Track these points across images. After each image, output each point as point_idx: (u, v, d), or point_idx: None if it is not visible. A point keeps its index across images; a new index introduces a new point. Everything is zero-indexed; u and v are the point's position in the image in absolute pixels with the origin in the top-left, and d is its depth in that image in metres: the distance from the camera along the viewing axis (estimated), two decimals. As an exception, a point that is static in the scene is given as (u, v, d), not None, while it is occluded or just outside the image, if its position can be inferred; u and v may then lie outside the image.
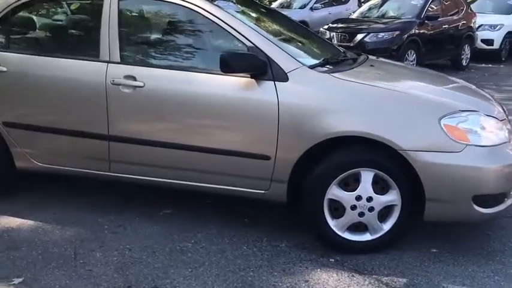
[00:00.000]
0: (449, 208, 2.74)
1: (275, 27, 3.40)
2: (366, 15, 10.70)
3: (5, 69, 3.28)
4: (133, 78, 3.03)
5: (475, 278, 2.67)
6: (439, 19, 10.01)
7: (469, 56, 11.17)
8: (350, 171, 2.76)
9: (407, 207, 2.80)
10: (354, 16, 11.12)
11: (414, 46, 9.40)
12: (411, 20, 9.66)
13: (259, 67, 2.81)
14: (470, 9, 11.44)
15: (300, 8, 15.00)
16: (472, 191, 2.68)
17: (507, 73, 10.62)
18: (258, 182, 2.97)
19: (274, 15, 3.80)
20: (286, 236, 3.11)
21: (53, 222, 3.27)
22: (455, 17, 10.68)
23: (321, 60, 3.15)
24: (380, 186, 2.79)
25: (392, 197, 2.79)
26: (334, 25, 9.74)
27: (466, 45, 10.98)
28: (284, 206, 3.08)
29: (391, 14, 10.42)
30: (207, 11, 3.03)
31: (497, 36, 12.16)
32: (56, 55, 3.29)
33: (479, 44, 11.79)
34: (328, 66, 3.09)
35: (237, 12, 3.27)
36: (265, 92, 2.84)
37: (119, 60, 3.10)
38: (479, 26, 11.73)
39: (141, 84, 3.01)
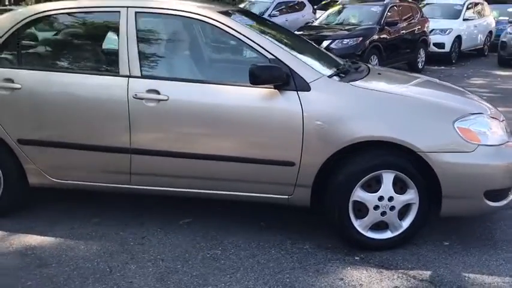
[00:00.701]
0: (464, 203, 2.99)
1: (286, 40, 3.55)
2: (328, 22, 11.05)
3: (19, 86, 3.26)
4: (157, 92, 3.10)
5: (490, 267, 2.92)
6: (398, 25, 10.49)
7: (424, 59, 11.77)
8: (373, 173, 2.95)
9: (424, 204, 3.02)
10: (316, 23, 11.45)
11: (376, 51, 9.82)
12: (372, 26, 10.08)
13: (283, 78, 2.96)
14: (423, 15, 12.05)
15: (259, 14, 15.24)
16: (483, 186, 2.94)
17: (460, 74, 11.27)
18: (282, 188, 3.11)
19: (280, 29, 3.94)
20: (307, 237, 3.26)
21: (75, 238, 3.27)
22: (411, 23, 11.23)
23: (335, 70, 3.33)
24: (399, 186, 2.99)
25: (411, 196, 3.00)
26: (300, 32, 10.00)
27: (421, 49, 11.57)
28: (292, 209, 3.24)
29: (352, 21, 10.82)
30: (227, 26, 3.14)
31: (447, 40, 12.85)
32: (73, 71, 3.31)
33: (432, 48, 12.42)
34: (341, 75, 3.27)
35: (252, 26, 3.39)
36: (289, 101, 2.99)
37: (140, 75, 3.16)
38: (431, 31, 12.35)
39: (165, 97, 3.08)
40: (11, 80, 3.27)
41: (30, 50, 3.46)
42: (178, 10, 3.25)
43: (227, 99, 3.08)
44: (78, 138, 3.27)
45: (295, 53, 3.21)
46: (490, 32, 15.13)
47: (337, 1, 18.65)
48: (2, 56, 3.37)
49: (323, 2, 19.45)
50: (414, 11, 11.68)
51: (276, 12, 15.33)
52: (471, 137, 2.92)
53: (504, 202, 3.05)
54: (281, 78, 2.95)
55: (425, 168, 2.94)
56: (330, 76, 3.15)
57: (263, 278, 2.79)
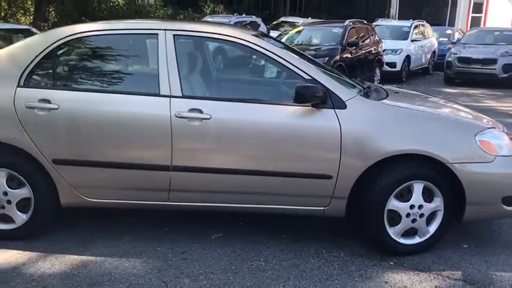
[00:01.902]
0: (484, 209, 3.31)
1: (312, 62, 3.77)
2: (292, 43, 11.44)
3: (56, 106, 3.27)
4: (200, 111, 3.22)
5: (510, 265, 3.25)
6: (357, 45, 11.05)
7: (379, 78, 12.41)
8: (405, 184, 3.22)
9: (448, 211, 3.32)
10: (280, 43, 11.79)
11: (340, 70, 10.26)
12: (335, 46, 10.56)
13: (322, 97, 3.18)
14: (377, 36, 12.75)
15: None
16: (501, 193, 3.28)
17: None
18: (319, 200, 3.32)
19: (299, 52, 4.16)
20: (339, 246, 3.47)
21: (115, 256, 3.30)
22: (368, 43, 11.85)
23: (359, 89, 3.59)
24: (426, 195, 3.28)
25: (437, 203, 3.29)
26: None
27: (377, 68, 12.21)
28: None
29: (314, 41, 11.27)
30: (264, 48, 3.33)
31: (398, 60, 13.62)
32: (112, 92, 3.36)
33: (385, 67, 13.13)
34: (368, 94, 3.54)
35: (284, 48, 3.60)
36: (328, 118, 3.21)
37: (181, 95, 3.27)
38: (383, 51, 13.07)
39: (208, 116, 3.22)
40: (47, 101, 3.28)
41: (66, 71, 3.48)
42: (215, 33, 3.41)
43: (267, 117, 3.25)
44: (117, 157, 3.31)
45: (328, 74, 3.44)
46: (434, 52, 16.16)
47: (288, 22, 19.35)
48: (37, 76, 3.37)
49: (274, 23, 20.04)
50: (370, 32, 12.34)
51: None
52: (490, 148, 3.26)
53: (517, 207, 3.41)
54: (321, 97, 3.17)
55: (449, 178, 3.24)
56: (361, 95, 3.41)
57: (315, 284, 2.97)
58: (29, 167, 3.37)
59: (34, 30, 11.63)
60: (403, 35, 14.57)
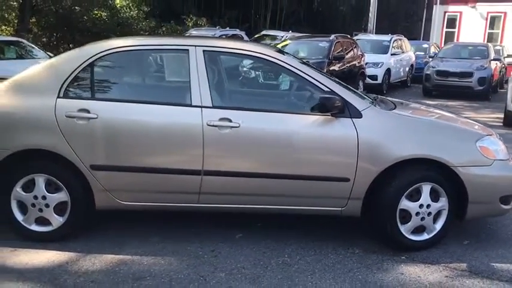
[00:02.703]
0: (484, 208, 3.70)
1: (327, 75, 4.11)
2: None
3: (95, 116, 3.53)
4: (229, 120, 3.52)
5: (509, 259, 3.63)
6: (343, 59, 11.52)
7: (362, 90, 12.89)
8: (415, 185, 3.58)
9: (452, 210, 3.69)
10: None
11: (327, 82, 10.69)
12: (322, 60, 11.00)
13: (340, 107, 3.52)
14: (360, 50, 13.26)
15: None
16: (499, 193, 3.67)
17: (396, 104, 12.48)
18: (337, 201, 3.64)
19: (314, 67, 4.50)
20: (353, 244, 3.80)
21: (149, 255, 3.54)
22: (352, 57, 12.35)
23: (372, 100, 3.95)
24: (433, 195, 3.64)
25: (442, 203, 3.66)
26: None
27: (360, 81, 12.70)
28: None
29: (301, 55, 11.68)
30: (287, 63, 3.67)
31: (380, 73, 14.16)
32: (147, 102, 3.63)
33: (367, 80, 13.64)
34: (378, 105, 3.90)
35: (302, 64, 3.93)
36: (346, 127, 3.55)
37: (211, 105, 3.57)
38: (365, 64, 13.59)
39: (237, 124, 3.52)
40: (86, 110, 3.53)
41: (103, 83, 3.73)
42: (241, 49, 3.73)
43: (290, 126, 3.58)
44: (151, 162, 3.58)
45: (341, 86, 3.79)
46: (412, 65, 16.82)
47: (269, 35, 19.78)
48: (76, 88, 3.62)
49: (256, 36, 20.45)
50: (353, 46, 12.85)
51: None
52: (489, 153, 3.65)
53: (511, 205, 3.80)
54: (339, 107, 3.51)
55: (452, 180, 3.61)
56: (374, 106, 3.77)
57: (339, 277, 3.28)
58: (67, 173, 3.61)
59: (25, 41, 11.78)
60: (383, 49, 15.15)
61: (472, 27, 21.65)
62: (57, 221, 3.66)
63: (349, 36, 13.64)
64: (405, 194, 3.58)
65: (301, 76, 3.67)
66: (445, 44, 21.22)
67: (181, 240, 3.78)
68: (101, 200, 3.65)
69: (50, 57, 11.31)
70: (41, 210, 3.63)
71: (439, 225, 3.70)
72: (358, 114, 3.58)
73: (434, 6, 22.64)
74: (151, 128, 3.56)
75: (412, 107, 4.43)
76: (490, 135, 3.83)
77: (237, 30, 18.28)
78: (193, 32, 17.30)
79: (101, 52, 3.66)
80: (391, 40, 15.54)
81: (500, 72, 15.72)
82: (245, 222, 4.08)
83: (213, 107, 3.57)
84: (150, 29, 21.00)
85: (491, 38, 21.35)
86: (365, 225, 3.91)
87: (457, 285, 3.21)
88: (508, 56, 17.15)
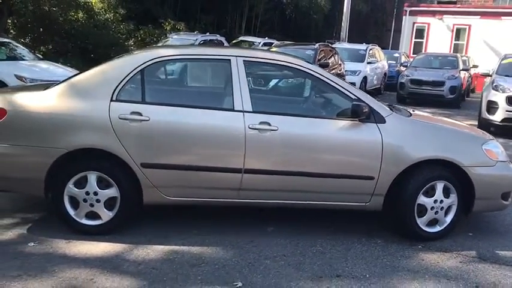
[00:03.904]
0: (488, 203, 4.22)
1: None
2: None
3: (147, 118, 3.86)
4: (268, 124, 3.92)
5: (509, 246, 4.16)
6: (327, 66, 12.06)
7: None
8: (431, 183, 4.07)
9: (460, 205, 4.19)
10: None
11: (313, 89, 11.21)
12: (308, 67, 11.47)
13: (367, 113, 3.98)
14: (340, 58, 13.87)
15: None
16: (501, 190, 4.21)
17: (374, 110, 13.12)
18: (362, 197, 4.09)
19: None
20: (375, 236, 4.25)
21: (194, 245, 3.87)
22: (333, 64, 12.92)
23: (391, 108, 4.42)
24: (445, 192, 4.14)
25: (452, 199, 4.16)
26: (249, 71, 11.06)
27: (341, 88, 13.26)
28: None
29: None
30: (318, 73, 4.11)
31: (357, 80, 14.79)
32: (193, 106, 3.98)
33: (346, 87, 14.23)
34: (397, 112, 4.37)
35: (330, 73, 4.37)
36: (371, 131, 4.00)
37: (251, 110, 3.96)
38: (345, 71, 14.20)
39: (276, 128, 3.92)
40: (139, 113, 3.85)
41: (153, 88, 4.06)
42: (276, 60, 4.15)
43: (322, 129, 4.01)
44: (197, 161, 3.93)
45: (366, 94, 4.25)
46: (385, 73, 17.59)
47: (247, 41, 20.21)
48: (128, 92, 3.93)
49: (233, 41, 20.87)
50: (334, 54, 13.43)
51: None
52: (492, 155, 4.19)
53: (510, 200, 4.34)
54: (367, 113, 3.97)
55: (461, 179, 4.12)
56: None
57: (370, 263, 3.73)
58: (118, 170, 3.91)
59: (14, 43, 11.79)
60: (360, 58, 15.83)
61: (439, 38, 22.74)
62: (106, 215, 3.95)
63: (329, 44, 14.21)
64: (422, 190, 4.05)
65: (330, 85, 4.11)
66: (413, 53, 22.25)
67: (219, 233, 4.14)
68: (149, 195, 3.97)
69: (39, 58, 11.41)
70: (92, 205, 3.92)
71: (449, 219, 4.20)
72: (382, 120, 4.04)
73: (404, 17, 23.64)
74: (197, 129, 3.91)
75: (423, 115, 4.95)
76: (492, 139, 4.36)
77: (217, 35, 18.62)
78: (174, 36, 17.54)
79: (150, 60, 3.99)
80: (366, 49, 16.25)
81: (467, 81, 16.67)
82: (275, 217, 4.47)
83: (253, 111, 3.96)
84: (127, 32, 21.04)
85: (456, 48, 22.50)
86: (386, 218, 4.37)
87: (472, 269, 3.71)
88: (474, 66, 18.13)
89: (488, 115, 9.71)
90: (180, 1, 24.64)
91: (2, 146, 3.85)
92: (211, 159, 3.95)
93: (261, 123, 3.92)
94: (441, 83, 14.39)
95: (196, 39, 16.63)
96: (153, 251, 3.77)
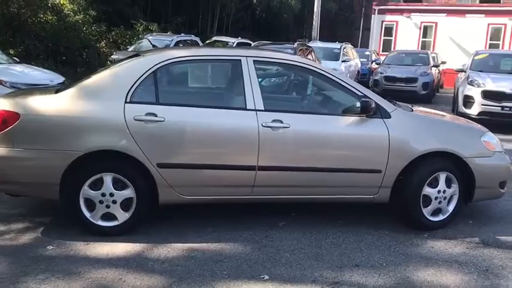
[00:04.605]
0: (487, 191, 4.46)
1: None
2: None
3: (162, 119, 3.91)
4: (280, 121, 4.04)
5: (509, 233, 4.40)
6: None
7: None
8: (434, 174, 4.27)
9: (460, 195, 4.41)
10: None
11: (294, 88, 11.39)
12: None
13: (375, 109, 4.14)
14: (317, 57, 14.10)
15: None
16: (498, 179, 4.45)
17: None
18: (370, 190, 4.26)
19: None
20: (380, 227, 4.41)
21: (211, 242, 3.95)
22: (312, 63, 13.12)
23: (393, 103, 4.60)
24: (447, 183, 4.34)
25: (454, 189, 4.37)
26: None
27: (319, 86, 13.51)
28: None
29: (267, 61, 12.28)
30: (326, 72, 4.26)
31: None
32: (206, 106, 4.06)
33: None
34: (400, 107, 4.55)
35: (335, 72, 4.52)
36: (378, 126, 4.17)
37: (263, 108, 4.06)
38: (321, 70, 14.43)
39: (288, 125, 4.04)
40: (154, 114, 3.91)
41: (166, 89, 4.11)
42: (285, 59, 4.27)
43: (332, 126, 4.15)
44: (212, 159, 4.01)
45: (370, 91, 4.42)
46: (358, 71, 17.95)
47: (221, 41, 20.25)
48: (142, 93, 3.96)
49: (207, 41, 20.86)
50: (311, 53, 13.65)
51: (176, 51, 16.25)
52: (490, 146, 4.42)
53: (505, 188, 4.59)
54: (375, 109, 4.13)
55: (462, 169, 4.34)
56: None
57: (383, 251, 3.90)
58: (134, 171, 3.95)
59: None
60: (335, 56, 16.12)
61: (407, 36, 23.31)
62: (123, 216, 3.99)
63: (305, 43, 14.42)
64: (427, 182, 4.25)
65: (337, 82, 4.26)
66: (383, 51, 22.76)
67: (232, 230, 4.23)
68: (165, 195, 4.02)
69: (16, 61, 11.16)
70: (108, 206, 3.94)
71: (451, 208, 4.41)
72: (388, 115, 4.22)
73: (372, 15, 24.14)
74: (212, 129, 3.99)
75: (423, 109, 5.16)
76: (488, 131, 4.61)
77: (192, 36, 18.61)
78: (150, 37, 17.43)
79: (163, 61, 4.05)
80: (341, 48, 16.56)
81: (437, 77, 17.19)
82: (283, 212, 4.59)
83: (265, 110, 4.07)
84: (99, 33, 20.74)
85: (424, 45, 23.12)
86: (389, 210, 4.55)
87: (479, 255, 3.92)
88: (442, 62, 18.68)
89: (464, 109, 10.08)
90: (150, 2, 24.44)
91: (16, 151, 3.84)
92: (226, 157, 4.04)
93: (273, 121, 4.03)
94: (414, 80, 14.81)
95: (172, 40, 16.60)
96: (173, 249, 3.83)
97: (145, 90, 4.01)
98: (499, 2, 23.73)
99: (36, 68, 10.98)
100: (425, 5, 23.89)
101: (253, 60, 4.15)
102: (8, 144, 3.84)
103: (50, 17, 19.84)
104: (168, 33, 19.85)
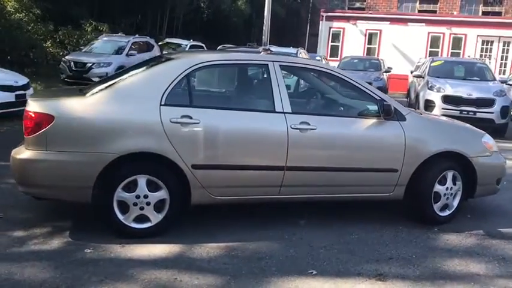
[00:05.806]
0: (486, 188, 4.87)
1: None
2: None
3: (197, 121, 3.99)
4: (307, 123, 4.22)
5: (508, 224, 4.83)
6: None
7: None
8: (443, 173, 4.62)
9: (463, 192, 4.80)
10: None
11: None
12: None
13: (392, 112, 4.43)
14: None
15: (117, 53, 15.73)
16: (496, 176, 4.87)
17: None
18: (386, 188, 4.54)
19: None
20: (394, 224, 4.69)
21: (243, 241, 4.04)
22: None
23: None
24: (453, 180, 4.71)
25: (458, 186, 4.75)
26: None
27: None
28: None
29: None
30: (347, 77, 4.50)
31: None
32: (239, 109, 4.18)
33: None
34: (412, 111, 4.86)
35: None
36: (395, 128, 4.46)
37: (291, 111, 4.24)
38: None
39: (315, 127, 4.24)
40: (189, 117, 3.97)
41: (199, 92, 4.19)
42: (309, 64, 4.48)
43: (355, 128, 4.40)
44: (243, 160, 4.14)
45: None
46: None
47: (173, 43, 20.13)
48: (176, 96, 4.01)
49: (160, 43, 20.67)
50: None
51: (133, 52, 16.03)
52: (489, 146, 4.85)
53: (500, 185, 5.03)
54: (393, 112, 4.42)
55: (465, 168, 4.72)
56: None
57: (408, 245, 4.18)
58: (168, 173, 4.00)
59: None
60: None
61: (353, 42, 24.23)
62: (156, 217, 4.01)
63: (268, 48, 14.67)
64: (437, 179, 4.59)
65: (357, 87, 4.51)
66: (330, 56, 23.51)
67: (259, 229, 4.36)
68: (198, 196, 4.09)
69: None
70: (142, 208, 3.96)
71: (455, 203, 4.78)
72: (403, 118, 4.52)
73: (320, 22, 24.87)
74: (243, 131, 4.12)
75: (430, 113, 5.56)
76: (486, 133, 5.03)
77: (148, 37, 18.39)
78: (105, 38, 17.06)
79: (195, 65, 4.12)
80: (297, 52, 16.95)
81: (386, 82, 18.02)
82: (301, 211, 4.77)
83: (293, 112, 4.24)
84: (45, 32, 19.97)
85: (369, 52, 24.13)
86: (398, 206, 4.85)
87: (490, 245, 4.30)
88: (389, 68, 19.59)
89: (425, 113, 10.70)
90: (97, 1, 23.82)
91: (50, 153, 3.79)
92: (256, 158, 4.17)
93: (301, 123, 4.21)
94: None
95: (128, 41, 16.33)
96: (211, 248, 3.91)
97: (179, 92, 4.07)
98: (436, 12, 25.22)
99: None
100: (370, 13, 24.96)
101: (280, 65, 4.32)
102: (42, 147, 3.78)
103: (-5, 17, 18.90)
104: (119, 33, 19.42)
